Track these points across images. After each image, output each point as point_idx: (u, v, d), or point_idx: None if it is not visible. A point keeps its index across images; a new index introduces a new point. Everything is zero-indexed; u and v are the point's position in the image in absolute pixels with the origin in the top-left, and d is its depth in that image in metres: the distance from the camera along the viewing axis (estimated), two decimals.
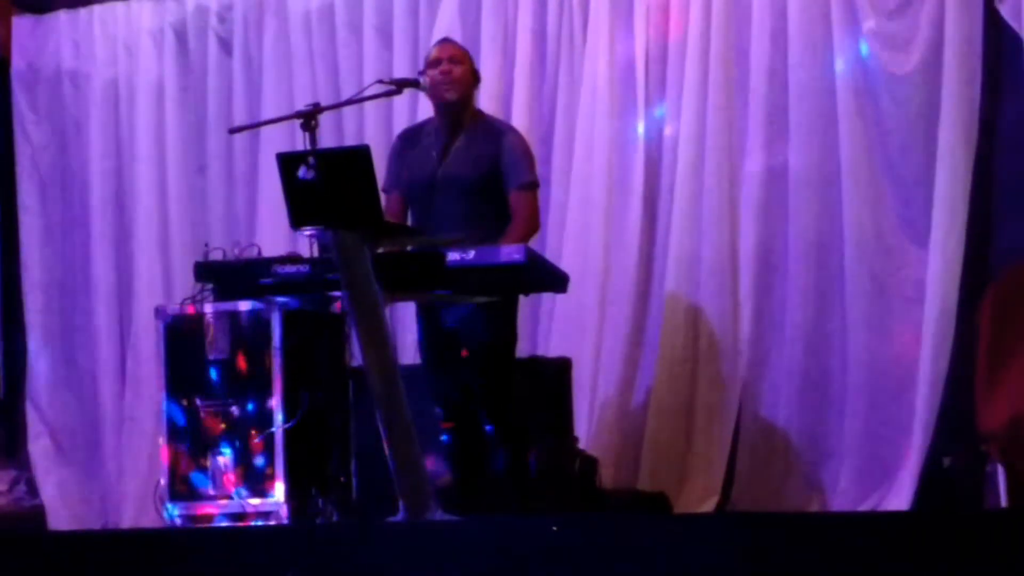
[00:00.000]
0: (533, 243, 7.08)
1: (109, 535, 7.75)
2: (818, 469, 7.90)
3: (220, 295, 7.37)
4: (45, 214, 9.48)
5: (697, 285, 8.11)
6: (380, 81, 7.24)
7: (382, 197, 6.80)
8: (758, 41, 8.04)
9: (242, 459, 7.61)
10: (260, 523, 7.47)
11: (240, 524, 7.46)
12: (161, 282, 9.13)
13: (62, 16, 9.52)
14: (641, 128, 8.25)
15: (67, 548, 5.90)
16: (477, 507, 6.88)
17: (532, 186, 7.06)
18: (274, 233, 8.47)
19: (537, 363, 7.81)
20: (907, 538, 4.90)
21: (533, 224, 7.07)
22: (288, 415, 7.54)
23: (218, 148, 9.16)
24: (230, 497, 7.60)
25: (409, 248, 6.70)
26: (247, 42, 9.12)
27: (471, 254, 6.45)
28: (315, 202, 6.32)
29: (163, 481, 7.80)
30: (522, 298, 7.20)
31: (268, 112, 8.73)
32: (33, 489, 9.30)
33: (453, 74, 7.04)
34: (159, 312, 7.95)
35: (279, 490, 7.53)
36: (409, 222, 7.13)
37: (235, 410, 7.64)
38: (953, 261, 7.66)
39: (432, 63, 7.10)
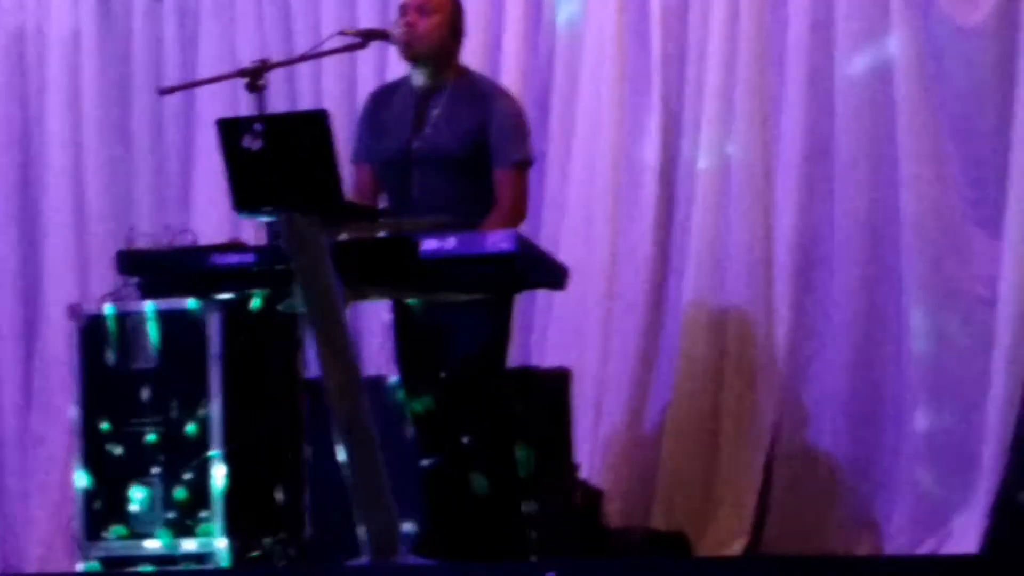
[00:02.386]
0: (525, 230, 7.06)
1: None
2: (868, 504, 7.91)
3: (147, 291, 7.33)
4: None
5: (723, 282, 8.15)
6: (341, 32, 7.24)
7: (350, 169, 6.79)
8: None
9: (172, 490, 7.58)
10: (193, 569, 7.46)
11: (170, 569, 7.46)
12: (75, 274, 9.12)
13: None
14: (656, 95, 8.26)
15: None
16: (456, 549, 6.86)
17: (523, 165, 7.07)
18: (213, 216, 8.49)
19: (530, 376, 7.82)
20: None
21: (520, 210, 7.06)
22: (229, 436, 7.52)
23: (145, 114, 9.16)
24: (157, 537, 7.57)
25: (378, 235, 6.65)
26: None
27: (451, 242, 6.42)
28: (263, 178, 6.33)
29: (79, 516, 7.77)
30: (514, 297, 7.16)
31: (206, 70, 8.72)
32: None
33: (418, 27, 7.03)
34: (73, 311, 7.95)
35: (217, 528, 7.51)
36: (382, 203, 7.12)
37: (164, 430, 7.62)
38: None
39: (401, 9, 7.11)
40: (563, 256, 7.41)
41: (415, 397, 7.10)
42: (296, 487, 7.70)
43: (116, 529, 7.69)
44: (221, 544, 7.51)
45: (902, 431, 7.86)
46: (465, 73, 7.18)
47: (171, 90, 8.19)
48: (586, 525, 7.68)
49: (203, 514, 7.56)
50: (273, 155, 6.27)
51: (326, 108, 7.13)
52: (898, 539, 7.77)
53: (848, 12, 7.96)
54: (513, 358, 7.62)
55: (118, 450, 7.71)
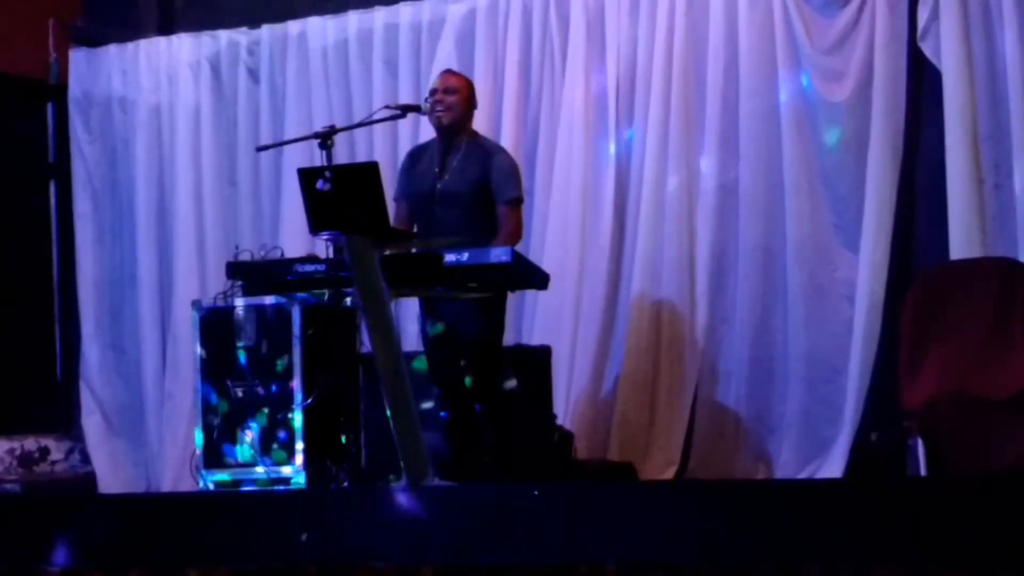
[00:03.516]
0: (518, 247, 7.04)
1: (151, 498, 7.74)
2: (763, 443, 7.89)
3: (248, 291, 7.34)
4: (97, 220, 9.46)
5: (660, 284, 8.10)
6: (387, 106, 7.24)
7: (393, 206, 6.79)
8: (713, 74, 8.03)
9: (266, 433, 7.59)
10: (281, 488, 7.45)
11: (264, 489, 7.44)
12: (197, 279, 9.10)
13: (112, 49, 9.49)
14: (612, 148, 8.24)
15: (115, 509, 5.88)
16: (469, 475, 6.85)
17: (517, 202, 7.01)
18: (295, 237, 8.43)
19: (522, 351, 7.79)
20: (839, 502, 4.88)
21: (517, 234, 7.02)
22: (306, 395, 7.52)
23: (247, 164, 9.14)
24: (256, 466, 7.59)
25: (412, 250, 6.65)
26: (272, 72, 9.10)
27: (465, 256, 6.40)
28: (331, 210, 6.28)
29: (198, 452, 7.79)
30: (509, 294, 7.17)
31: (290, 132, 8.70)
32: (86, 458, 9.29)
33: (446, 102, 6.98)
34: (195, 305, 7.93)
35: (298, 460, 7.51)
36: (415, 229, 7.09)
37: (260, 391, 7.62)
38: (880, 264, 7.66)
39: (432, 91, 7.07)
40: (545, 265, 7.40)
41: (436, 366, 7.07)
42: (355, 431, 7.64)
43: (225, 460, 7.68)
44: (301, 472, 7.52)
45: (787, 391, 7.84)
46: (475, 135, 7.14)
47: (265, 147, 8.16)
48: (561, 458, 7.63)
49: (288, 450, 7.53)
50: (338, 194, 6.23)
51: (376, 160, 7.16)
52: (785, 468, 7.76)
53: (749, 91, 7.95)
54: (509, 338, 7.64)
55: (226, 404, 7.69)
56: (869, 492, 4.93)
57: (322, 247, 7.10)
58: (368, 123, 7.56)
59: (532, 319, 8.30)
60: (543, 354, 7.76)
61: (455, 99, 7.00)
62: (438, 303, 6.99)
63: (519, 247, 6.94)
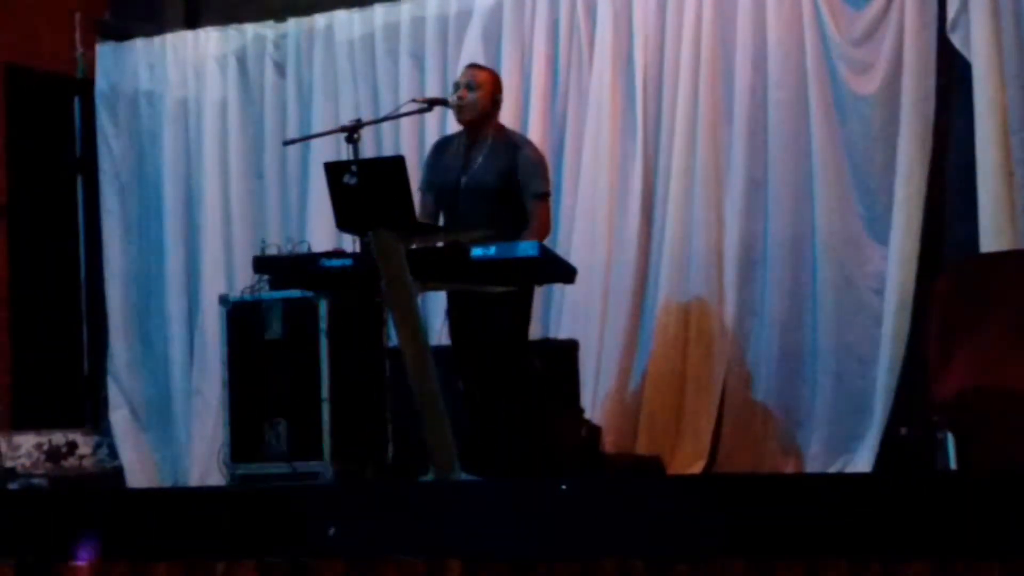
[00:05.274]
0: (545, 240, 7.06)
1: (179, 492, 7.77)
2: (792, 436, 7.87)
3: (275, 285, 7.38)
4: (124, 214, 9.49)
5: (688, 278, 8.09)
6: (413, 100, 7.21)
7: (418, 196, 6.78)
8: (741, 66, 8.02)
9: (294, 427, 7.61)
10: (308, 482, 7.47)
11: (291, 483, 7.45)
12: (224, 273, 9.12)
13: (139, 44, 9.53)
14: (640, 140, 8.21)
15: (143, 503, 5.91)
16: (495, 469, 6.82)
17: (545, 196, 7.00)
18: (322, 231, 8.45)
19: (549, 344, 7.80)
20: (869, 496, 4.89)
21: (546, 228, 7.01)
22: (333, 387, 7.52)
23: (274, 158, 9.14)
24: (283, 459, 7.60)
25: (438, 244, 6.64)
26: (299, 66, 9.11)
27: (492, 250, 6.39)
28: (357, 205, 6.27)
29: (225, 446, 7.82)
30: (536, 288, 7.18)
31: (317, 127, 8.72)
32: (114, 452, 9.33)
33: (467, 99, 6.97)
34: (223, 299, 7.99)
35: (326, 453, 7.53)
36: (440, 221, 7.09)
37: (287, 383, 7.64)
38: (910, 257, 7.64)
39: (455, 85, 7.09)
40: (572, 259, 7.37)
41: (463, 360, 7.04)
42: (382, 424, 7.68)
43: (252, 454, 7.71)
44: (328, 466, 7.55)
45: (816, 384, 7.82)
46: (502, 128, 7.11)
47: (292, 141, 8.23)
48: (589, 452, 7.61)
49: (316, 444, 7.56)
50: (364, 188, 6.23)
51: (402, 154, 7.19)
52: (814, 462, 7.74)
53: (778, 83, 7.94)
54: (536, 332, 7.66)
55: (254, 398, 7.76)
56: (898, 486, 4.91)
57: (349, 241, 7.11)
58: (395, 117, 7.53)
59: (559, 313, 8.29)
60: (570, 348, 7.77)
61: (477, 95, 6.98)
62: (465, 297, 6.96)
63: (545, 240, 6.96)
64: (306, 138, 8.34)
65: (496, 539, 5.13)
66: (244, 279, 8.29)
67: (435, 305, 8.05)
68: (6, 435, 8.90)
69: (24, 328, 9.23)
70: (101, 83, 9.53)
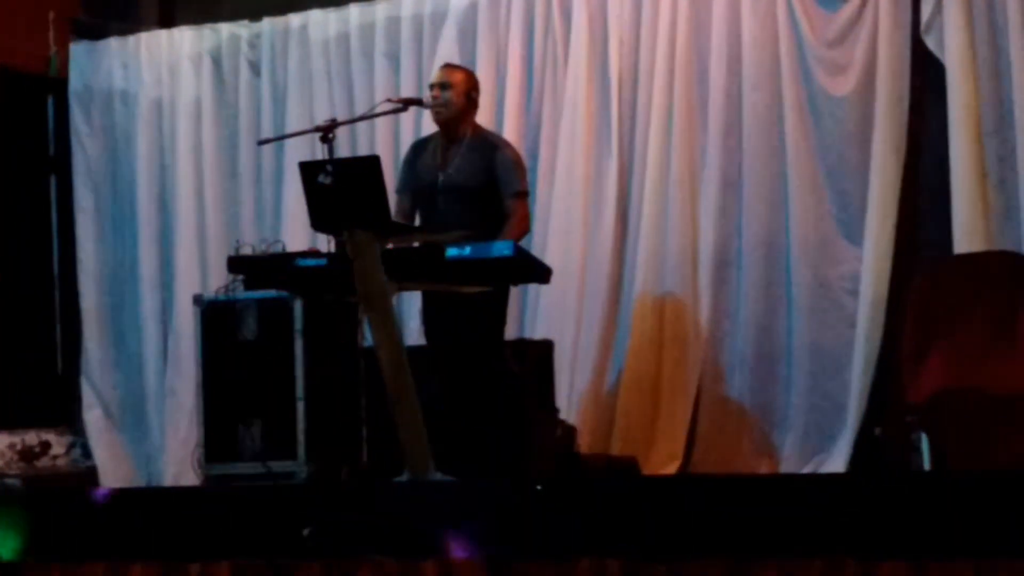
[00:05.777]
0: (523, 238, 7.05)
1: (153, 492, 7.75)
2: (767, 437, 7.88)
3: (249, 285, 7.34)
4: (98, 214, 9.46)
5: (663, 277, 8.08)
6: (388, 100, 7.22)
7: (395, 198, 6.77)
8: (716, 68, 8.02)
9: (268, 427, 7.59)
10: (283, 482, 7.46)
11: (266, 483, 7.45)
12: (198, 273, 9.09)
13: (113, 42, 9.49)
14: (615, 141, 8.21)
15: (117, 503, 5.89)
16: (470, 469, 6.81)
17: (523, 195, 7.02)
18: (297, 231, 8.44)
19: (524, 344, 7.78)
20: (843, 496, 4.90)
21: (524, 227, 7.03)
22: (308, 389, 7.51)
23: (248, 157, 9.12)
24: (258, 459, 7.59)
25: (414, 244, 6.66)
26: (274, 66, 9.09)
27: (467, 250, 6.39)
28: (332, 204, 6.27)
29: (200, 446, 7.80)
30: (511, 288, 7.18)
31: (291, 126, 8.70)
32: (87, 452, 9.30)
33: (440, 99, 7.00)
34: (197, 300, 7.97)
35: (301, 454, 7.52)
36: (417, 221, 7.09)
37: (262, 384, 7.63)
38: (884, 258, 7.65)
39: (430, 86, 7.09)
40: (548, 259, 7.40)
41: (436, 361, 7.03)
42: (356, 425, 7.65)
43: (227, 455, 7.69)
44: (302, 466, 7.53)
45: (791, 385, 7.83)
46: (478, 128, 7.14)
47: (266, 141, 8.21)
48: (564, 452, 7.61)
49: (290, 445, 7.55)
50: (339, 188, 6.21)
51: (377, 154, 7.18)
52: (789, 462, 7.75)
53: (752, 84, 7.94)
54: (511, 332, 7.66)
55: (228, 398, 7.72)
56: (873, 486, 4.93)
57: (324, 241, 7.10)
58: (370, 116, 7.53)
59: (535, 313, 8.28)
60: (545, 348, 7.76)
61: (451, 94, 7.01)
62: (440, 297, 6.97)
63: (523, 240, 6.96)
64: (281, 138, 8.33)
65: (470, 540, 5.12)
66: (218, 279, 8.26)
67: (410, 305, 8.06)
68: None
69: None
70: (75, 82, 9.49)
